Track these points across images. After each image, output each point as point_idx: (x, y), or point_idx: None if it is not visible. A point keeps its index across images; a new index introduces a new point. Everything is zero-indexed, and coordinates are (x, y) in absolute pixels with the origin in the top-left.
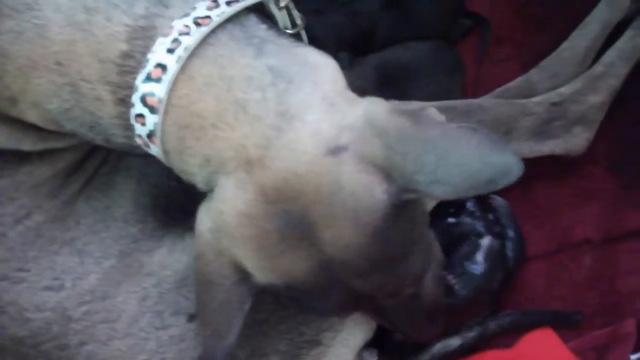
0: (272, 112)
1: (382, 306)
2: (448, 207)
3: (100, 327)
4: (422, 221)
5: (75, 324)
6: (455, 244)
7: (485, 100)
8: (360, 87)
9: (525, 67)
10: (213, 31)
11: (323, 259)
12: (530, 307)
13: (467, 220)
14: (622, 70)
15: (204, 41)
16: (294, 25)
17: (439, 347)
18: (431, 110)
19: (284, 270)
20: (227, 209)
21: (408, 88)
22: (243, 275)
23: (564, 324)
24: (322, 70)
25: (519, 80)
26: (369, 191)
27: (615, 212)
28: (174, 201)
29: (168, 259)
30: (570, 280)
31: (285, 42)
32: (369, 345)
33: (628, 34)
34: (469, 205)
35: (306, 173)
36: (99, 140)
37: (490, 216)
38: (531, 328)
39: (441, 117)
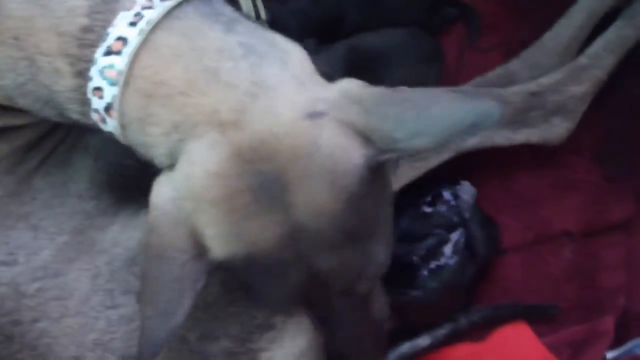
0: (246, 81)
1: (331, 307)
2: (424, 196)
3: (53, 304)
4: (390, 204)
5: (28, 300)
6: (426, 235)
7: (457, 89)
8: (327, 74)
9: (508, 57)
10: (179, 5)
11: (293, 227)
12: (504, 300)
13: (442, 209)
14: (608, 62)
15: (170, 15)
16: (257, 17)
17: (407, 347)
18: None
19: (251, 237)
20: (196, 171)
21: (379, 76)
22: (200, 250)
23: (540, 318)
24: (291, 53)
25: (498, 70)
26: (347, 154)
27: (598, 204)
28: (130, 179)
29: (121, 236)
30: (547, 273)
31: (253, 26)
32: None
33: (616, 24)
34: (446, 194)
35: (284, 134)
36: (52, 115)
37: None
38: (504, 323)
39: None
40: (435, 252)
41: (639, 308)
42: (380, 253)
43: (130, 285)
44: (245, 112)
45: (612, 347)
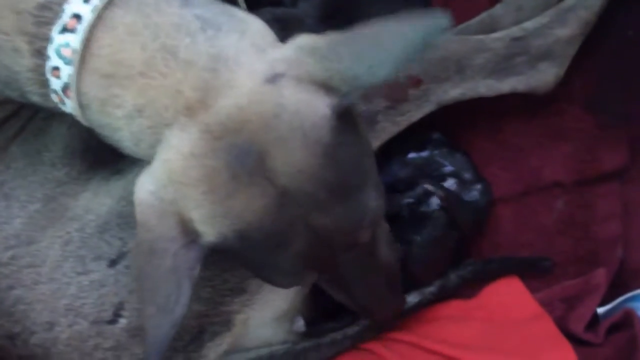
0: (205, 55)
1: (339, 264)
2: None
3: (26, 271)
4: (369, 152)
5: (2, 268)
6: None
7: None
8: (306, 23)
9: (493, 2)
10: None
11: (277, 193)
12: (494, 255)
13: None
14: (596, 2)
15: None
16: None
17: None
18: None
19: (238, 213)
20: (172, 156)
21: (357, 20)
22: (191, 237)
23: (532, 271)
24: (250, 23)
25: (481, 16)
26: (312, 107)
27: (590, 153)
28: (105, 144)
29: (92, 202)
30: (539, 225)
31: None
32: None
33: None
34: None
35: (248, 103)
36: (16, 97)
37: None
38: (495, 278)
39: None
40: (422, 202)
41: (635, 261)
42: (372, 199)
43: (102, 251)
44: (208, 89)
45: (606, 302)
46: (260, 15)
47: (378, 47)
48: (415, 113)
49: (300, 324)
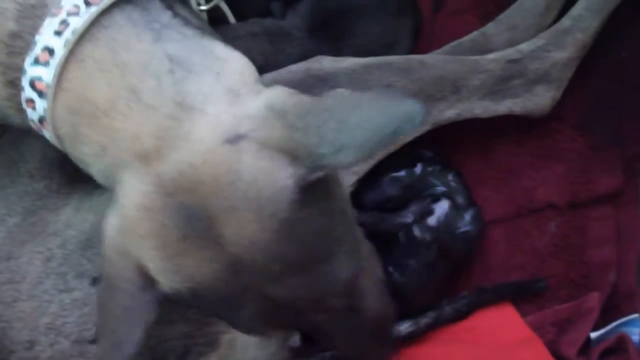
0: (169, 101)
1: (313, 322)
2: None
3: (5, 288)
4: (342, 218)
5: None
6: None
7: (429, 57)
8: (294, 36)
9: (484, 20)
10: (109, 12)
11: (229, 260)
12: (486, 277)
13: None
14: (592, 24)
15: (97, 23)
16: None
17: None
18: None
19: (188, 273)
20: (127, 203)
21: (346, 31)
22: (148, 282)
23: (526, 294)
24: (229, 62)
25: (474, 34)
26: (272, 177)
27: (583, 175)
28: None
29: (74, 217)
30: (531, 248)
31: (190, 33)
32: None
33: None
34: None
35: (203, 163)
36: None
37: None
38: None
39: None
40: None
41: (628, 286)
42: (342, 270)
43: (84, 268)
44: (166, 138)
45: (599, 327)
46: (248, 27)
47: (345, 131)
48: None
49: (295, 339)
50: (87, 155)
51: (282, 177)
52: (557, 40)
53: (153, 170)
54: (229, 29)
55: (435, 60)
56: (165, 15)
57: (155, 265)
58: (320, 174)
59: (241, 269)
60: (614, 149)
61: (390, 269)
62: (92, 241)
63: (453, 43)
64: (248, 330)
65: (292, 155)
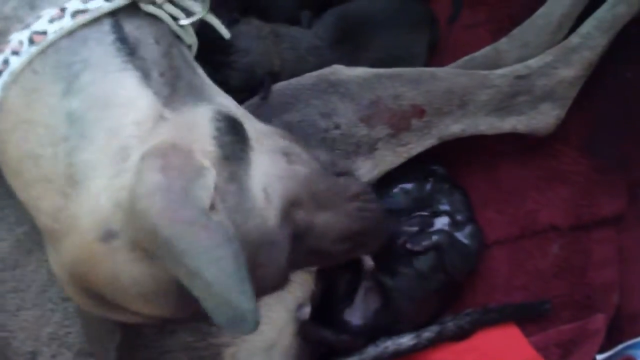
0: (61, 175)
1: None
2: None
3: (10, 296)
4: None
5: None
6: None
7: (440, 70)
8: (316, 47)
9: (497, 35)
10: (45, 53)
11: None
12: (488, 298)
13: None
14: (600, 42)
15: (31, 66)
16: (189, 14)
17: (390, 344)
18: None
19: (127, 319)
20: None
21: (367, 42)
22: None
23: (531, 315)
24: (130, 107)
25: (486, 50)
26: (152, 278)
27: (587, 197)
28: None
29: None
30: (535, 269)
31: (113, 67)
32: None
33: (609, 2)
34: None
35: (85, 259)
36: None
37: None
38: (493, 325)
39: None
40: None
41: (632, 308)
42: (268, 279)
43: None
44: (59, 220)
45: (604, 349)
46: (274, 28)
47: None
48: (415, 145)
49: (306, 311)
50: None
51: (162, 278)
52: (565, 57)
53: (55, 249)
54: (253, 27)
55: (445, 74)
56: (105, 42)
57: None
58: None
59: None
60: (618, 171)
61: (382, 272)
62: None
63: (466, 58)
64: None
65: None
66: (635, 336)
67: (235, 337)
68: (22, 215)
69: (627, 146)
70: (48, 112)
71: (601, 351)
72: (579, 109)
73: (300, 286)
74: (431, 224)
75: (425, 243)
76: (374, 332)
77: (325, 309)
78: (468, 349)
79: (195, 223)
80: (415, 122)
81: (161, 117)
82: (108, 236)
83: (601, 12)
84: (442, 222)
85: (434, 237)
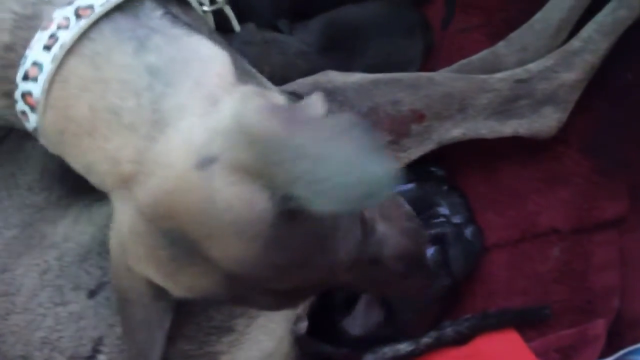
0: (147, 121)
1: (336, 285)
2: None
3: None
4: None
5: None
6: None
7: (438, 74)
8: (304, 52)
9: (493, 39)
10: (98, 24)
11: (223, 274)
12: (487, 302)
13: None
14: (601, 46)
15: (85, 36)
16: (212, 1)
17: (387, 351)
18: (312, 100)
19: (187, 287)
20: (119, 227)
21: (357, 50)
22: (158, 291)
23: (531, 321)
24: (210, 64)
25: (484, 53)
26: (248, 203)
27: (588, 199)
28: None
29: (72, 230)
30: (535, 273)
31: (177, 32)
32: (316, 334)
33: (610, 6)
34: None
35: (175, 190)
36: (1, 123)
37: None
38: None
39: (322, 108)
40: None
41: (633, 312)
42: (341, 251)
43: (81, 280)
44: (143, 163)
45: (604, 355)
46: (263, 35)
47: (319, 179)
48: (415, 150)
49: (302, 326)
50: (78, 170)
51: (259, 202)
52: (566, 61)
53: (133, 196)
54: (244, 33)
55: (444, 78)
56: (155, 17)
57: (157, 280)
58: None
59: (237, 279)
60: (620, 173)
61: None
62: (90, 253)
63: (463, 61)
64: (271, 308)
65: (266, 181)
66: (636, 342)
67: (232, 346)
68: (10, 219)
69: (629, 148)
70: (122, 69)
71: (601, 357)
72: (580, 111)
73: None
74: (430, 225)
75: (431, 231)
76: (372, 342)
77: (322, 318)
78: (467, 354)
79: (312, 120)
80: (415, 127)
81: (238, 76)
82: (206, 162)
83: (602, 16)
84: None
85: (439, 229)
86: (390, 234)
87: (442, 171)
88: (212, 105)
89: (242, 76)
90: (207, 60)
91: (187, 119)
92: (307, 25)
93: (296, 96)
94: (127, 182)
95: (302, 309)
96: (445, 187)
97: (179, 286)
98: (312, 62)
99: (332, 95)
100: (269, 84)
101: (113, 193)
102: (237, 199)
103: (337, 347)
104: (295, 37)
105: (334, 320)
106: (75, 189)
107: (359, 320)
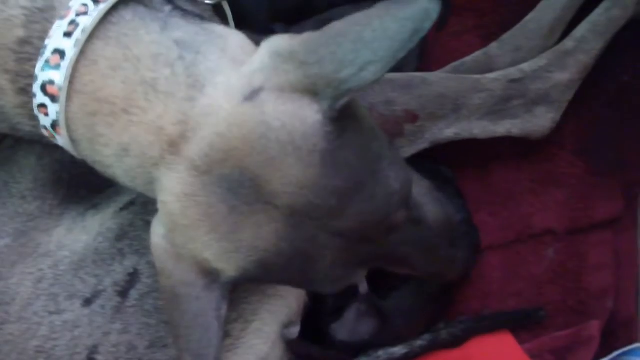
0: (184, 86)
1: (389, 250)
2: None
3: None
4: (375, 134)
5: None
6: None
7: (431, 74)
8: None
9: (486, 40)
10: (115, 9)
11: (285, 215)
12: (481, 304)
13: None
14: (595, 46)
15: (105, 20)
16: None
17: (381, 354)
18: None
19: (249, 245)
20: (167, 199)
21: None
22: (210, 277)
23: (525, 324)
24: (230, 38)
25: (476, 54)
26: (299, 117)
27: (583, 200)
28: (78, 177)
29: (66, 238)
30: (529, 274)
31: (191, 20)
32: (308, 340)
33: (603, 5)
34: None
35: (229, 128)
36: (4, 128)
37: None
38: (487, 333)
39: None
40: None
41: (627, 313)
42: (392, 180)
43: (76, 289)
44: (187, 121)
45: (599, 356)
46: (255, 38)
47: (363, 49)
48: (408, 149)
49: (293, 330)
50: (108, 156)
51: (309, 115)
52: (559, 61)
53: (184, 155)
54: None
55: (437, 78)
56: (166, 8)
57: (213, 252)
58: (345, 99)
59: (300, 219)
60: (614, 174)
61: (377, 293)
62: (85, 262)
63: (455, 63)
64: (332, 282)
65: (312, 91)
66: (631, 342)
67: (227, 351)
68: (3, 227)
69: (623, 149)
70: (152, 45)
71: (596, 358)
72: (574, 111)
73: (296, 300)
74: None
75: None
76: (361, 347)
77: (313, 321)
78: (461, 357)
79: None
80: (408, 127)
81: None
82: (252, 94)
83: (595, 16)
84: None
85: None
86: (425, 200)
87: (451, 172)
88: (242, 65)
89: None
90: (225, 36)
91: (223, 75)
92: (302, 27)
93: None
94: (173, 146)
95: (298, 310)
96: (451, 189)
97: (240, 247)
98: None
99: None
100: None
101: (156, 169)
102: (288, 116)
103: (326, 350)
104: None
105: (323, 323)
106: (68, 197)
107: (347, 327)
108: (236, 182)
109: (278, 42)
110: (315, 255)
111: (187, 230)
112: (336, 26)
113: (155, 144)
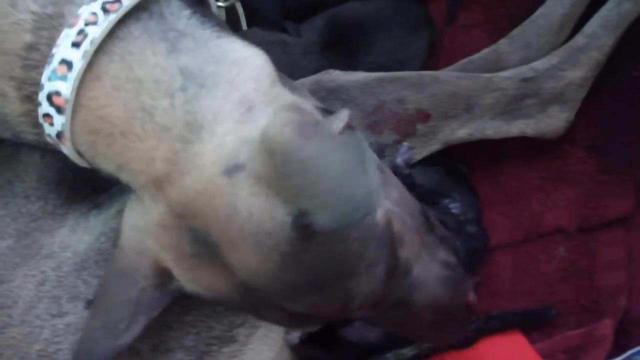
0: (180, 122)
1: (355, 316)
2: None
3: None
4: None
5: None
6: None
7: (442, 73)
8: (309, 50)
9: (494, 35)
10: (124, 22)
11: (240, 282)
12: (492, 303)
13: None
14: (607, 42)
15: (113, 35)
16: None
17: (390, 356)
18: (338, 115)
19: (206, 284)
20: (147, 218)
21: (361, 48)
22: (163, 280)
23: (536, 323)
24: (245, 66)
25: (485, 52)
26: (268, 214)
27: (594, 198)
28: (81, 175)
29: (69, 239)
30: (540, 273)
31: (207, 34)
32: (315, 342)
33: (614, 0)
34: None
35: (204, 192)
36: (7, 136)
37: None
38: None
39: (344, 123)
40: None
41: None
42: (362, 285)
43: (78, 291)
44: (176, 162)
45: (611, 355)
46: (265, 35)
47: (320, 193)
48: (420, 150)
49: (294, 336)
50: (108, 170)
51: (279, 215)
52: (572, 58)
53: (165, 194)
54: (246, 35)
55: (448, 77)
56: (183, 17)
57: (175, 272)
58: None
59: (253, 289)
60: (626, 171)
61: None
62: (87, 263)
63: (464, 60)
64: (286, 327)
65: (286, 196)
66: None
67: (233, 357)
68: (5, 228)
69: (635, 146)
70: (155, 69)
71: (609, 357)
72: (585, 108)
73: None
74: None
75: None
76: (371, 349)
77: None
78: (471, 357)
79: (329, 139)
80: (420, 126)
81: (276, 79)
82: (233, 170)
83: (606, 11)
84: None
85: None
86: (426, 281)
87: (467, 170)
88: (248, 112)
89: (280, 79)
90: (240, 63)
91: (223, 124)
92: (312, 22)
93: (326, 112)
94: (159, 182)
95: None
96: (464, 187)
97: (197, 282)
98: (317, 61)
99: (335, 94)
100: (305, 91)
101: (141, 190)
102: (257, 209)
103: (332, 353)
104: (301, 37)
105: (333, 326)
106: (71, 197)
107: (357, 329)
108: (202, 238)
109: (276, 124)
110: (262, 311)
111: (157, 246)
112: (309, 148)
113: (144, 174)
